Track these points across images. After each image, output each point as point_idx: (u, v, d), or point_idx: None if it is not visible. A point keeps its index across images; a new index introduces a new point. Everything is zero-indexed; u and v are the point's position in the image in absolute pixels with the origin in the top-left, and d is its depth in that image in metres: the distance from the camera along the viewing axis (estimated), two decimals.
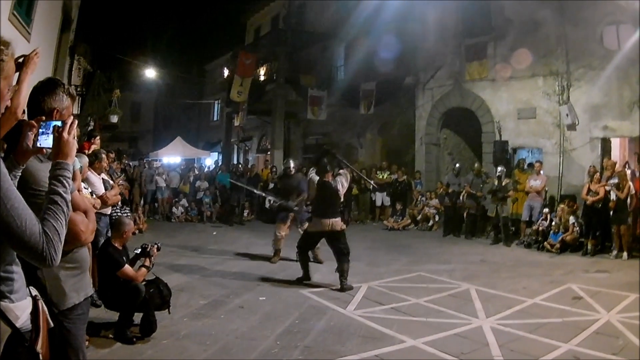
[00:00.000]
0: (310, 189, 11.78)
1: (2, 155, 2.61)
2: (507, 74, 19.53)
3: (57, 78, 3.44)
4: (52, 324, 2.80)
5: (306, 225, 12.45)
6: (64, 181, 2.53)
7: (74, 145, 2.67)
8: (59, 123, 2.67)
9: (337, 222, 11.01)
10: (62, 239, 2.38)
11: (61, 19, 17.78)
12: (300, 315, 8.56)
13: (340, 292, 10.19)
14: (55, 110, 3.23)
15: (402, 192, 22.23)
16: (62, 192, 2.49)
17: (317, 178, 11.41)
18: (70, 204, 2.51)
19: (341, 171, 11.63)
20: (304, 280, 11.17)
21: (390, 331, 7.71)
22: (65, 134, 2.62)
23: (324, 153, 13.22)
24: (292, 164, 14.37)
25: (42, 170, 3.07)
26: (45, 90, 3.25)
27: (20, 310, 2.48)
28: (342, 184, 11.26)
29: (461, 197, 18.22)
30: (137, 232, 16.22)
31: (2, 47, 2.42)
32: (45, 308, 2.78)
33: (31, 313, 2.58)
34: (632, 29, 15.84)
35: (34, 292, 2.72)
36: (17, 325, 2.43)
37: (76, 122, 2.72)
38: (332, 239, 11.06)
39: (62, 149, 2.62)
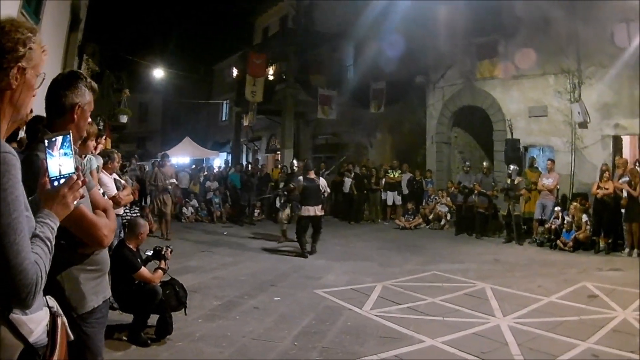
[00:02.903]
0: (296, 185, 15.13)
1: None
2: (518, 73, 19.42)
3: (79, 71, 3.34)
4: (72, 337, 2.60)
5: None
6: (52, 231, 2.30)
7: (68, 206, 2.43)
8: (68, 136, 2.45)
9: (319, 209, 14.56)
10: (42, 285, 2.14)
11: (70, 18, 17.73)
12: (316, 316, 8.53)
13: (355, 293, 10.13)
14: (77, 106, 3.16)
15: (418, 192, 22.18)
16: (51, 239, 2.27)
17: (301, 179, 14.87)
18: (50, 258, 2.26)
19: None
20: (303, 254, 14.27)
21: (408, 331, 7.68)
22: (64, 189, 2.40)
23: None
24: (296, 163, 18.11)
25: None
26: (66, 84, 3.17)
27: (35, 323, 2.25)
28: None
29: (473, 196, 18.14)
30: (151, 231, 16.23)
31: (29, 34, 2.28)
32: (65, 321, 2.57)
33: (48, 326, 2.36)
34: None
35: (52, 303, 2.50)
36: (31, 340, 2.20)
37: (80, 182, 2.46)
38: (316, 221, 14.61)
39: (56, 201, 2.38)
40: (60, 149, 2.41)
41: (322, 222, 15.02)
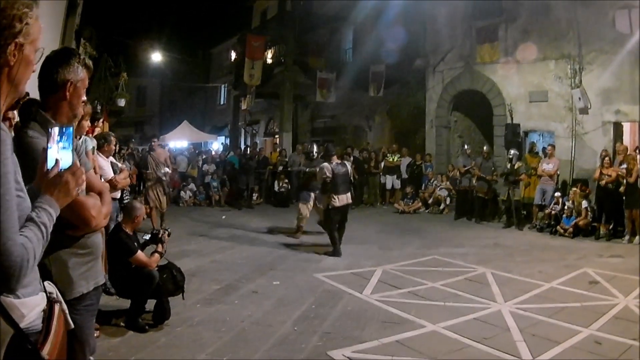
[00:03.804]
0: (319, 174, 12.81)
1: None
2: (519, 57, 19.33)
3: (73, 48, 3.27)
4: (72, 325, 2.58)
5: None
6: (50, 218, 2.23)
7: (70, 193, 2.37)
8: (70, 130, 2.42)
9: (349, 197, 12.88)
10: (28, 270, 2.06)
11: (67, 2, 17.61)
12: (315, 300, 8.48)
13: (355, 277, 10.09)
14: (69, 83, 3.10)
15: (418, 176, 22.11)
16: (47, 225, 2.19)
17: (327, 164, 12.66)
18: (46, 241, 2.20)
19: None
20: (335, 254, 12.24)
21: (409, 316, 7.63)
22: (67, 175, 2.34)
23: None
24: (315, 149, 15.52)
25: None
26: (59, 60, 3.10)
27: (28, 308, 2.18)
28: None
29: (472, 180, 18.07)
30: (145, 216, 16.16)
31: (26, 9, 2.22)
32: (65, 308, 2.55)
33: (45, 312, 2.31)
34: None
35: (51, 288, 2.48)
36: (22, 324, 2.12)
37: (83, 174, 2.44)
38: (345, 211, 12.80)
39: (57, 187, 2.32)
40: (59, 141, 2.36)
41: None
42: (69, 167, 2.35)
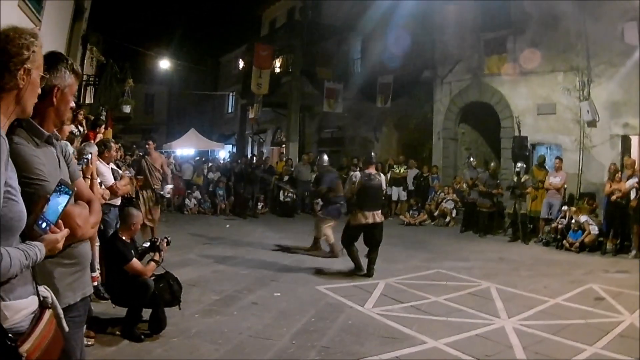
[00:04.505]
0: (349, 185, 11.62)
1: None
2: (527, 69, 19.24)
3: (60, 52, 3.20)
4: (66, 329, 2.69)
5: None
6: (36, 255, 2.38)
7: (58, 249, 2.58)
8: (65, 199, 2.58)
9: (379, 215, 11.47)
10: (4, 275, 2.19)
11: (73, 7, 17.60)
12: (316, 313, 8.34)
13: (357, 290, 9.95)
14: (57, 88, 3.04)
15: (425, 187, 22.01)
16: (31, 256, 2.33)
17: (358, 174, 11.55)
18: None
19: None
20: (358, 271, 11.28)
21: (410, 331, 7.49)
22: (58, 238, 2.54)
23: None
24: (326, 159, 14.38)
25: (38, 155, 2.85)
26: (45, 65, 2.92)
27: (13, 310, 2.31)
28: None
29: (476, 195, 17.95)
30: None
31: (32, 39, 2.49)
32: (61, 312, 2.66)
33: (34, 314, 2.41)
34: None
35: (46, 293, 2.58)
36: (6, 325, 2.25)
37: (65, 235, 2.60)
38: (375, 230, 11.42)
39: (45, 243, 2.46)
40: (59, 195, 2.55)
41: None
42: (64, 233, 2.56)
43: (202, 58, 46.81)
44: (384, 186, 12.07)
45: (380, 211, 11.50)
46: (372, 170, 11.56)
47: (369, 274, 11.08)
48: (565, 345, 6.94)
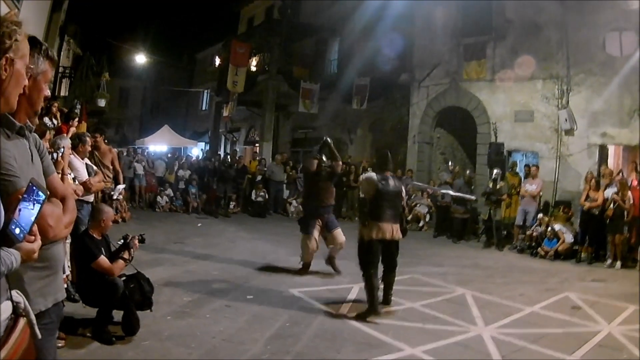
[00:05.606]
0: (364, 188, 9.22)
1: None
2: (506, 76, 19.22)
3: (34, 36, 2.97)
4: (39, 336, 2.50)
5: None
6: (12, 262, 2.24)
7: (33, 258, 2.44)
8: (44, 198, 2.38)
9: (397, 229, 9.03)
10: None
11: None
12: (290, 318, 8.17)
13: (331, 294, 9.83)
14: (29, 75, 2.78)
15: None
16: (7, 264, 2.20)
17: (373, 175, 9.09)
18: None
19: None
20: (372, 310, 8.50)
21: (386, 337, 7.35)
22: (34, 248, 2.41)
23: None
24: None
25: (8, 149, 2.59)
26: None
27: None
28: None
29: (450, 201, 17.92)
30: (120, 220, 15.89)
31: (14, 27, 2.38)
32: (33, 319, 2.48)
33: (10, 320, 2.30)
34: (635, 36, 15.69)
35: (18, 298, 2.42)
36: None
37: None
38: (391, 248, 9.09)
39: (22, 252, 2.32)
40: (31, 201, 2.33)
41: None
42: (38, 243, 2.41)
43: (178, 54, 46.71)
44: (403, 193, 9.48)
45: (398, 225, 9.06)
46: (390, 173, 9.22)
47: (386, 301, 9.14)
48: (544, 354, 6.89)
